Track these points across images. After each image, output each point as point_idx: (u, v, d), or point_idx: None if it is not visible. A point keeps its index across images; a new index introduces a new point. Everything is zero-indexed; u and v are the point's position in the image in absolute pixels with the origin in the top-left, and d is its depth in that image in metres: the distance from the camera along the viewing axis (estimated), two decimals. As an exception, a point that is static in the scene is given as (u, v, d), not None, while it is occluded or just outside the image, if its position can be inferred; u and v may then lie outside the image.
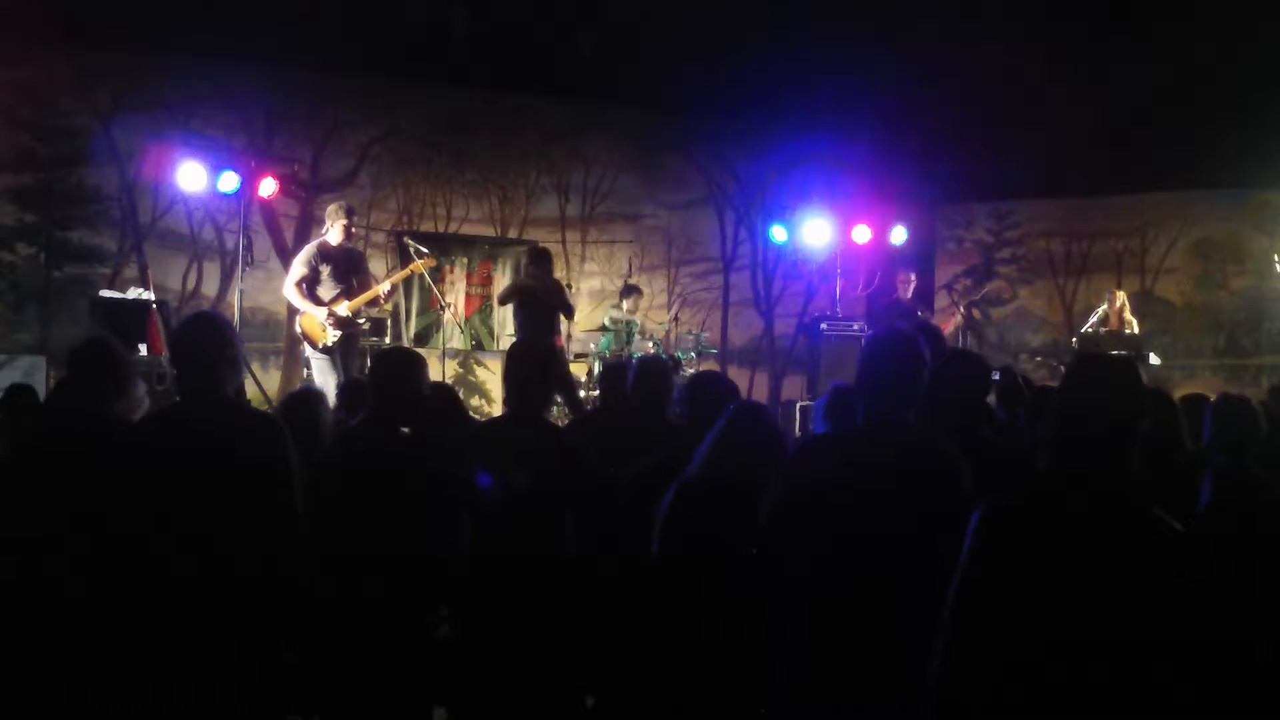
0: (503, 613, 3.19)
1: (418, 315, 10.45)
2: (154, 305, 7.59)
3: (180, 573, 2.77)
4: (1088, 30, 9.22)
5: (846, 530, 2.72)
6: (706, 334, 10.46)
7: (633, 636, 3.28)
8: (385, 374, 3.52)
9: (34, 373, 7.38)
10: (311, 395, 4.24)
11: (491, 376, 9.48)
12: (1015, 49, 9.45)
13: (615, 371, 4.80)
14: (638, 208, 11.39)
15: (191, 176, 8.34)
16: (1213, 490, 3.10)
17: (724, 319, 11.63)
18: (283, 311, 9.46)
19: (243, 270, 8.29)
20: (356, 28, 9.08)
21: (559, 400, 8.17)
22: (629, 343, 8.99)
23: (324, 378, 6.88)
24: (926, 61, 9.67)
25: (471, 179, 10.82)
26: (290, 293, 6.96)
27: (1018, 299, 11.71)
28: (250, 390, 7.62)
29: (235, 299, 8.40)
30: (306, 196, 9.88)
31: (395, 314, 9.94)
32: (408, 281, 9.62)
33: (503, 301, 8.56)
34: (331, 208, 7.14)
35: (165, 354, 6.98)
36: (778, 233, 10.80)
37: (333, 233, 7.01)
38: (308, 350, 7.07)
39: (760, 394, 11.06)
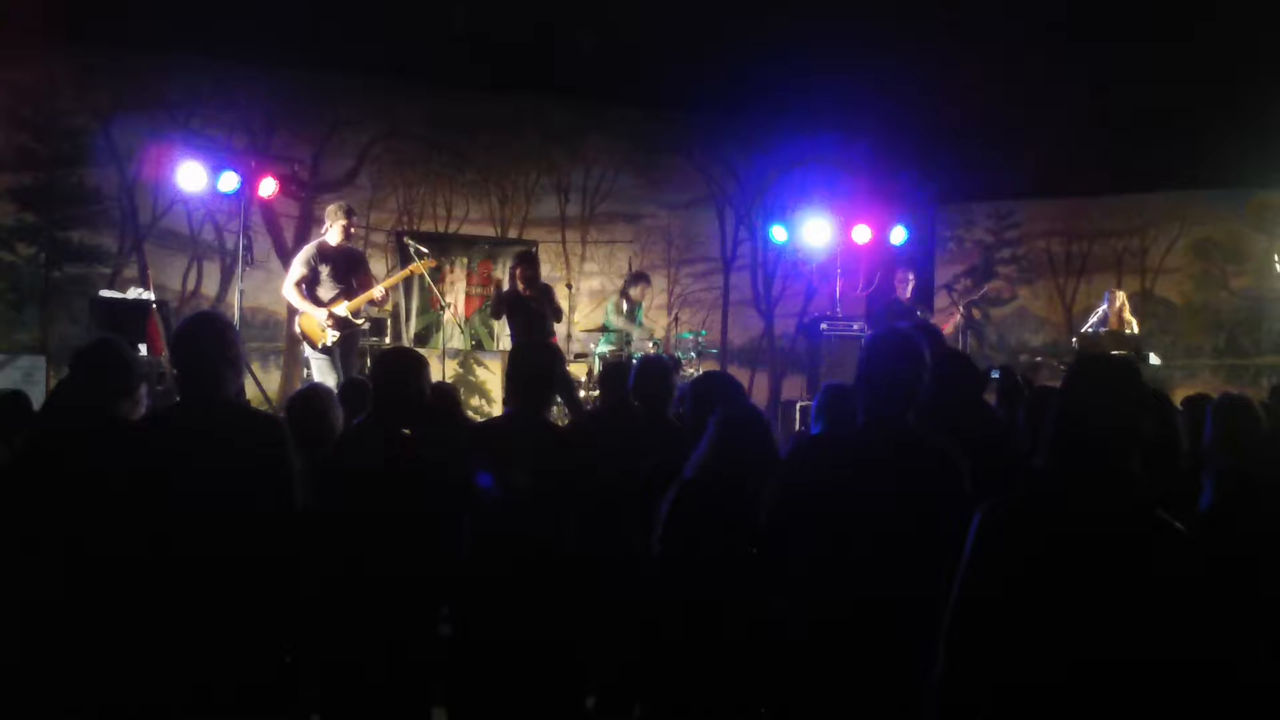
0: (503, 613, 3.19)
1: (418, 315, 10.44)
2: (154, 305, 7.59)
3: (180, 573, 2.77)
4: (1088, 31, 9.21)
5: (846, 530, 2.72)
6: (706, 334, 10.46)
7: (633, 637, 3.28)
8: (385, 374, 3.52)
9: (34, 373, 7.39)
10: (320, 393, 4.23)
11: (491, 376, 9.48)
12: (1015, 49, 9.45)
13: (615, 372, 4.80)
14: (638, 208, 11.39)
15: (191, 176, 8.34)
16: (1214, 491, 3.10)
17: (724, 319, 11.63)
18: (283, 311, 9.46)
19: (243, 270, 8.29)
20: (356, 28, 9.07)
21: (559, 400, 8.19)
22: (629, 342, 8.98)
23: (324, 378, 6.88)
24: (926, 61, 9.66)
25: (471, 179, 10.81)
26: (289, 293, 6.96)
27: (1018, 299, 11.71)
28: (250, 390, 7.62)
29: (235, 299, 8.39)
30: (306, 196, 9.88)
31: (395, 314, 9.93)
32: (407, 281, 9.62)
33: (495, 315, 8.57)
34: (331, 208, 7.14)
35: (165, 354, 6.99)
36: (778, 233, 10.80)
37: (332, 233, 7.01)
38: (307, 350, 7.07)
39: (760, 394, 11.06)
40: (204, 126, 9.63)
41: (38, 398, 6.54)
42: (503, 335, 10.71)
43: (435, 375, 6.59)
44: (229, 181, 8.38)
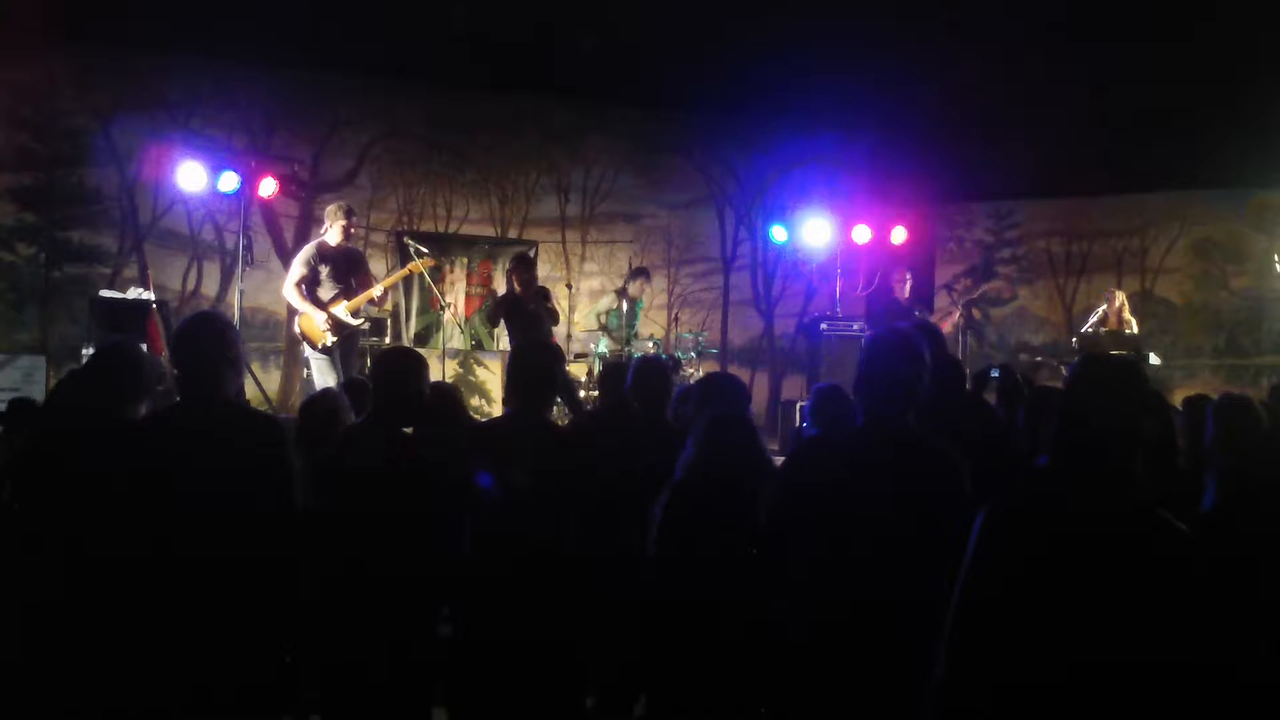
0: (503, 613, 3.18)
1: (418, 315, 10.44)
2: (154, 305, 7.58)
3: (180, 573, 2.77)
4: (1088, 31, 9.21)
5: (846, 531, 2.72)
6: (706, 334, 10.46)
7: (633, 636, 3.28)
8: (385, 374, 3.52)
9: (34, 373, 7.38)
10: (331, 395, 4.22)
11: (491, 376, 9.47)
12: (1015, 49, 9.45)
13: (615, 372, 4.80)
14: (638, 208, 11.39)
15: (191, 176, 8.34)
16: (1216, 490, 3.10)
17: (724, 319, 11.63)
18: (283, 311, 9.46)
19: (243, 270, 8.29)
20: (356, 28, 9.07)
21: (558, 400, 8.18)
22: (632, 332, 8.97)
23: (324, 378, 6.88)
24: (926, 61, 9.66)
25: (471, 179, 10.81)
26: (289, 293, 6.96)
27: (1018, 299, 11.72)
28: (250, 390, 7.62)
29: (235, 299, 8.39)
30: (306, 196, 9.88)
31: (395, 314, 9.93)
32: (407, 281, 9.62)
33: (493, 321, 8.54)
34: (331, 208, 7.13)
35: (165, 354, 6.98)
36: (778, 233, 10.79)
37: (332, 233, 7.00)
38: (307, 350, 7.07)
39: (760, 394, 11.05)
40: (204, 126, 9.64)
41: (38, 398, 6.54)
42: (502, 336, 10.71)
43: (435, 375, 6.58)
44: (229, 181, 8.38)
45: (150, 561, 2.78)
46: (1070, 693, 2.08)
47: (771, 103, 10.70)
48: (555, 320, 8.03)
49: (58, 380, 4.57)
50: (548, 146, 11.04)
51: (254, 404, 7.21)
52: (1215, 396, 3.75)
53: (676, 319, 10.66)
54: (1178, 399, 4.58)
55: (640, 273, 9.31)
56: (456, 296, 10.56)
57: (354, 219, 7.21)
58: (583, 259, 11.18)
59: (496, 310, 8.07)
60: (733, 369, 10.76)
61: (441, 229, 10.69)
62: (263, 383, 8.65)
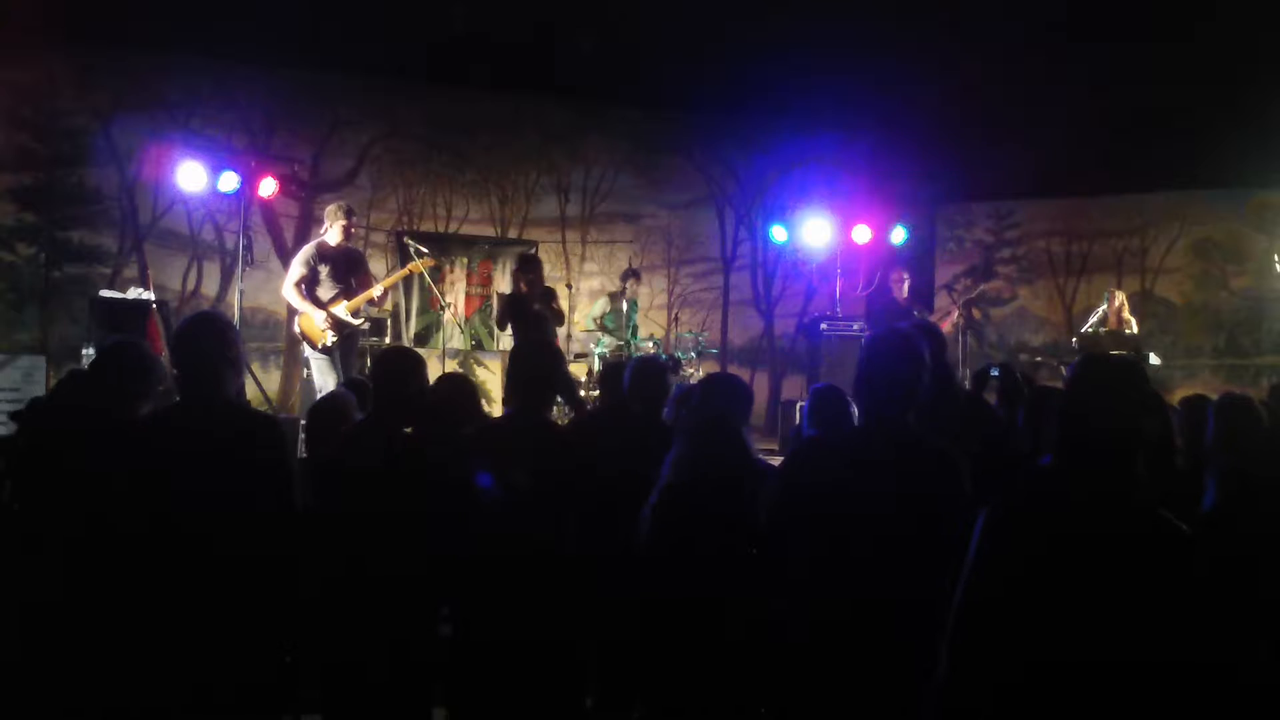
0: (503, 613, 3.18)
1: (418, 315, 10.45)
2: (154, 305, 7.58)
3: (180, 573, 2.77)
4: (1088, 31, 9.21)
5: (846, 531, 2.72)
6: (706, 334, 10.46)
7: (633, 636, 3.28)
8: (385, 374, 3.52)
9: (34, 373, 7.37)
10: (340, 397, 4.22)
11: (491, 376, 9.47)
12: (1015, 49, 9.45)
13: (615, 372, 4.80)
14: (638, 208, 11.39)
15: (191, 176, 8.33)
16: (1216, 490, 3.10)
17: (724, 319, 11.63)
18: (283, 311, 9.46)
19: (243, 270, 8.29)
20: (356, 28, 9.07)
21: (559, 400, 8.18)
22: (630, 330, 8.97)
23: (324, 378, 6.88)
24: (926, 61, 9.66)
25: (471, 179, 10.82)
26: (289, 293, 6.95)
27: (1018, 299, 11.72)
28: (250, 390, 7.62)
29: (235, 299, 8.39)
30: (306, 196, 9.88)
31: (395, 314, 9.94)
32: (407, 281, 9.62)
33: (500, 324, 8.45)
34: (330, 208, 7.13)
35: (165, 354, 6.98)
36: (778, 233, 10.79)
37: (332, 233, 7.00)
38: (307, 350, 7.07)
39: (760, 394, 11.05)
40: (204, 126, 9.64)
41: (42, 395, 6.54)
42: (503, 336, 10.71)
43: (435, 375, 6.58)
44: (229, 181, 8.37)
45: (150, 561, 2.78)
46: (1071, 692, 2.08)
47: (771, 103, 10.70)
48: (560, 321, 8.03)
49: (58, 380, 4.57)
50: (548, 146, 11.04)
51: (254, 404, 7.21)
52: (1214, 396, 3.75)
53: (676, 319, 10.66)
54: (1177, 399, 4.58)
55: (630, 274, 9.30)
56: (456, 296, 10.56)
57: (354, 219, 7.21)
58: (583, 259, 11.18)
59: (503, 313, 8.04)
60: (733, 369, 10.76)
61: (441, 229, 10.69)
62: (263, 383, 8.65)
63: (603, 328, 9.00)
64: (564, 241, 11.08)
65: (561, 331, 8.50)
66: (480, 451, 3.37)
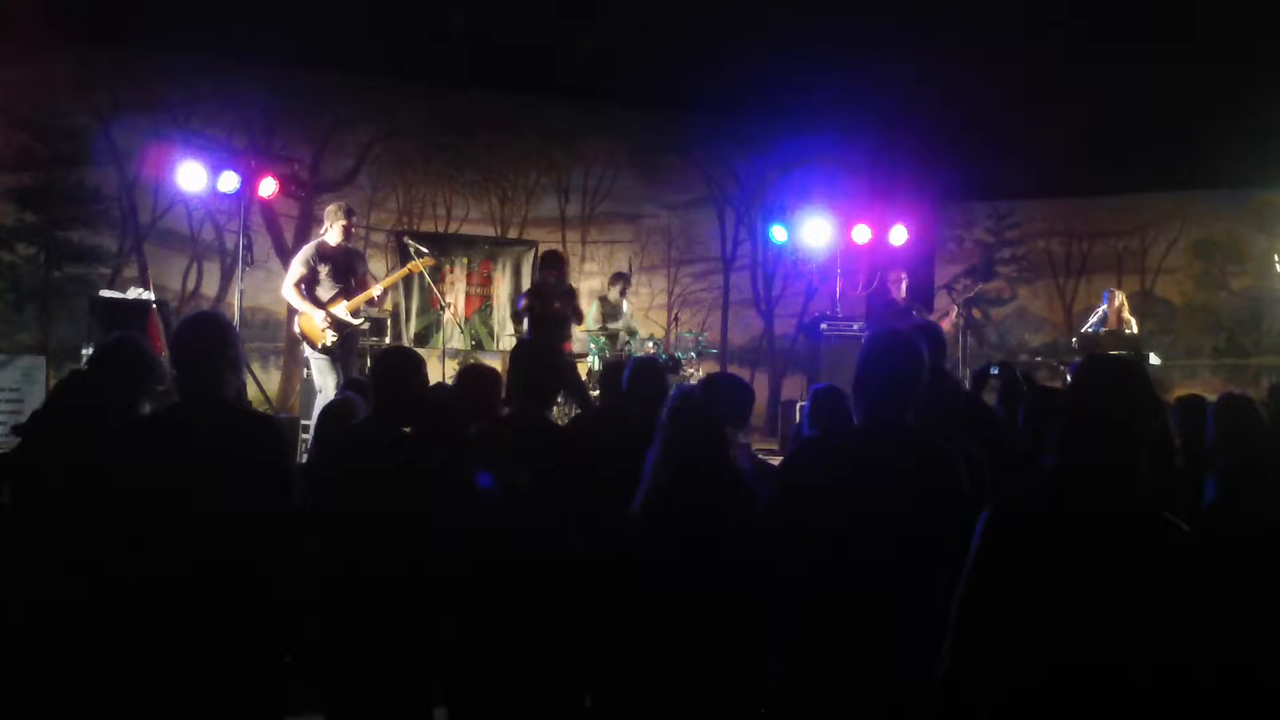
0: (503, 613, 3.18)
1: (418, 315, 10.45)
2: (154, 305, 7.59)
3: (178, 574, 2.77)
4: (1088, 31, 9.21)
5: (846, 531, 2.72)
6: (706, 334, 10.46)
7: (633, 636, 3.27)
8: (385, 374, 3.52)
9: (34, 373, 7.38)
10: (348, 400, 4.22)
11: (491, 376, 9.46)
12: (1015, 49, 9.45)
13: (615, 372, 4.79)
14: (638, 208, 11.39)
15: (191, 176, 8.34)
16: (1216, 490, 3.10)
17: (724, 319, 11.63)
18: (283, 311, 9.46)
19: (243, 270, 8.29)
20: (356, 28, 9.08)
21: (560, 401, 8.17)
22: (628, 342, 8.97)
23: (324, 378, 6.88)
24: (926, 61, 9.66)
25: (471, 179, 10.82)
26: (289, 293, 6.95)
27: (1018, 299, 11.72)
28: (250, 390, 7.61)
29: (235, 299, 8.39)
30: (306, 196, 9.88)
31: (395, 314, 9.94)
32: (407, 281, 9.62)
33: (517, 319, 8.45)
34: (330, 208, 7.12)
35: (165, 354, 6.97)
36: (778, 233, 10.79)
37: (332, 233, 7.00)
38: (307, 350, 7.07)
39: (760, 394, 11.05)
40: (204, 126, 9.65)
41: (38, 398, 6.54)
42: (503, 335, 10.73)
43: (435, 375, 6.58)
44: (229, 181, 8.37)
45: (148, 562, 2.78)
46: (1072, 692, 2.08)
47: (771, 102, 10.70)
48: (579, 320, 8.04)
49: (58, 380, 4.57)
50: (548, 146, 11.04)
51: (254, 404, 7.21)
52: (1212, 396, 3.76)
53: (676, 319, 10.66)
54: (1174, 399, 4.58)
55: (619, 278, 9.29)
56: (456, 296, 10.56)
57: (354, 219, 7.21)
58: (583, 259, 11.18)
59: (530, 304, 8.01)
60: (733, 369, 10.77)
61: (441, 229, 10.69)
62: (263, 383, 8.65)
63: (603, 329, 9.00)
64: (564, 242, 11.08)
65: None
66: (480, 451, 3.37)
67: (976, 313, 11.37)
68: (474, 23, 9.29)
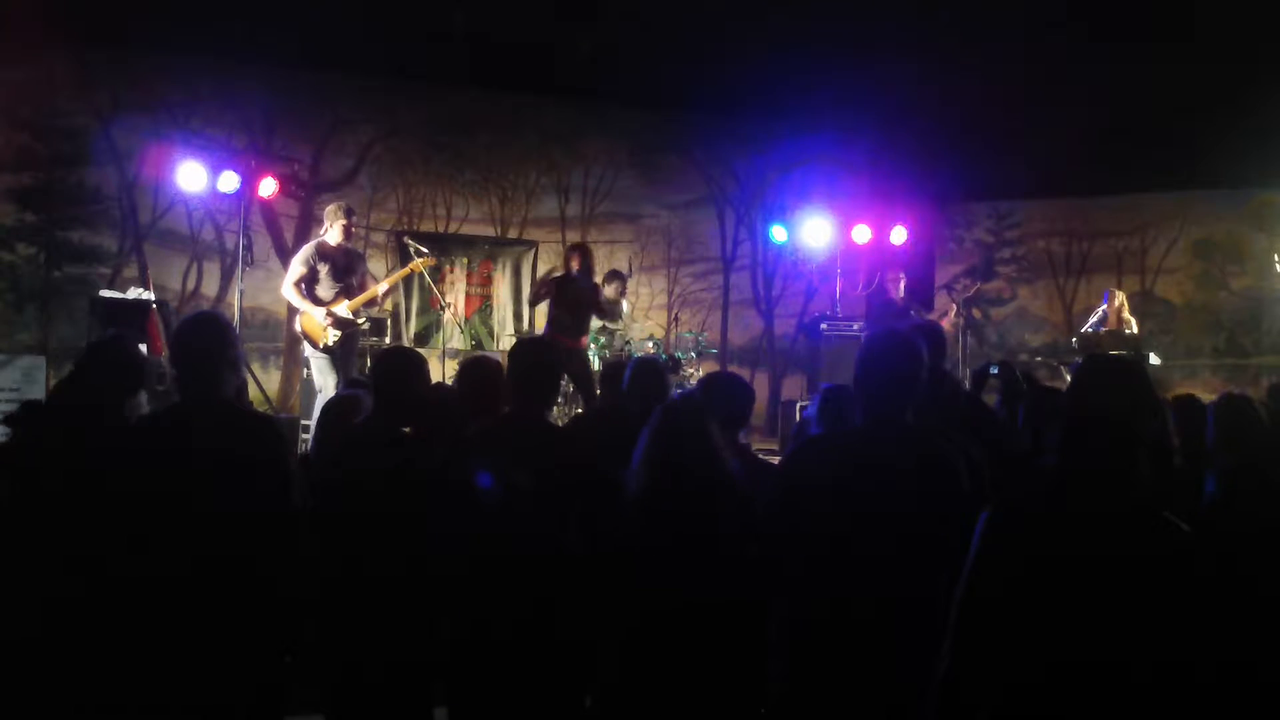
0: (504, 613, 3.18)
1: (418, 315, 10.45)
2: (154, 305, 7.59)
3: (178, 574, 2.77)
4: (1088, 31, 9.21)
5: (846, 530, 2.72)
6: (706, 334, 10.46)
7: (633, 636, 3.27)
8: (385, 374, 3.52)
9: (34, 373, 7.37)
10: (351, 400, 4.21)
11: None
12: (1015, 49, 9.45)
13: (616, 372, 4.80)
14: (638, 208, 11.39)
15: (191, 176, 8.34)
16: (1217, 490, 3.10)
17: (724, 319, 11.63)
18: (283, 311, 9.47)
19: (243, 270, 8.30)
20: (356, 28, 9.08)
21: (561, 401, 8.18)
22: (619, 340, 8.97)
23: (324, 378, 6.88)
24: (926, 61, 9.66)
25: (471, 179, 10.82)
26: (289, 292, 6.96)
27: (1018, 299, 11.72)
28: (250, 390, 7.61)
29: (235, 299, 8.40)
30: (306, 196, 9.88)
31: (395, 314, 9.94)
32: (407, 281, 9.62)
33: (534, 300, 8.51)
34: (330, 208, 7.13)
35: (165, 354, 6.98)
36: (778, 233, 10.80)
37: (332, 233, 7.00)
38: (307, 350, 7.07)
39: (760, 394, 11.05)
40: (204, 126, 9.65)
41: (40, 398, 6.53)
42: (503, 335, 10.73)
43: (435, 375, 6.58)
44: (229, 181, 8.38)
45: (148, 561, 2.78)
46: (1073, 691, 2.09)
47: (771, 102, 10.71)
48: (601, 314, 8.05)
49: (58, 380, 4.58)
50: (548, 146, 11.05)
51: (254, 404, 7.21)
52: (1209, 396, 3.76)
53: (676, 319, 10.67)
54: (1170, 398, 4.58)
55: (614, 275, 9.28)
56: (456, 296, 10.56)
57: (354, 219, 7.21)
58: (583, 259, 11.16)
59: (542, 287, 8.00)
60: (733, 369, 10.76)
61: (441, 229, 10.69)
62: (263, 383, 8.65)
63: (604, 328, 9.00)
64: (564, 242, 11.06)
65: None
66: (480, 451, 3.37)
67: (976, 313, 11.38)
68: (474, 23, 9.29)
